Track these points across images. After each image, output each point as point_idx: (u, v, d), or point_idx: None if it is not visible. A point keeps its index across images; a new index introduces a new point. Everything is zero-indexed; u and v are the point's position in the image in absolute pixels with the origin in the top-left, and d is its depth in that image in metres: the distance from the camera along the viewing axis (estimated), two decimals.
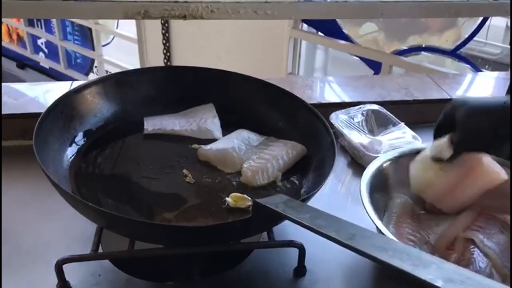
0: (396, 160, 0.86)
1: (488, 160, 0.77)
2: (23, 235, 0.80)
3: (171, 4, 0.90)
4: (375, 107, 1.09)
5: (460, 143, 0.72)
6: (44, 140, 0.78)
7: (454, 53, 1.88)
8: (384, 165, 0.85)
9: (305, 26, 2.26)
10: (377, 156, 0.95)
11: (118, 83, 0.96)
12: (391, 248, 0.48)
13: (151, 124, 0.95)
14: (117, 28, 3.21)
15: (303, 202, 0.67)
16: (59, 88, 1.12)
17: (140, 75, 0.99)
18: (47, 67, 4.09)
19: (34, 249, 0.77)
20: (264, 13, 0.92)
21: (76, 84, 1.11)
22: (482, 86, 1.29)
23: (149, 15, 0.89)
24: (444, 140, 0.75)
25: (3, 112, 1.02)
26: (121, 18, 0.89)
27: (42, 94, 1.10)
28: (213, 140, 0.94)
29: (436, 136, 0.78)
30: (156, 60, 2.84)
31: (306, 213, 0.57)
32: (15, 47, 4.25)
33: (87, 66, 3.80)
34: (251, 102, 1.00)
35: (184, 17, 0.91)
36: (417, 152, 0.88)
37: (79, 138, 0.88)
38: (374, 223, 0.74)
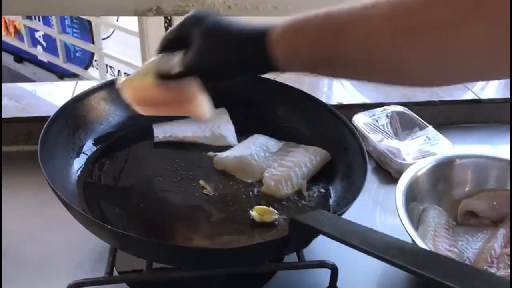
0: (431, 169, 0.80)
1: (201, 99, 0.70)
2: (28, 251, 0.74)
3: (186, 0, 0.83)
4: (400, 108, 1.02)
5: (193, 63, 0.61)
6: (49, 153, 0.72)
7: None
8: (419, 173, 0.79)
9: None
10: (406, 163, 0.89)
11: None
12: (482, 278, 0.41)
13: (162, 131, 0.89)
14: (117, 21, 3.13)
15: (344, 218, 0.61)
16: (63, 88, 1.06)
17: None
18: (45, 60, 4.00)
19: (41, 268, 0.72)
20: (285, 9, 0.85)
21: (80, 85, 1.06)
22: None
23: (162, 12, 0.82)
24: (177, 57, 0.64)
25: (5, 116, 0.95)
26: (131, 15, 0.83)
27: (46, 95, 1.04)
28: (228, 147, 0.88)
29: (165, 48, 0.66)
30: None
31: (358, 234, 0.51)
32: (12, 40, 4.16)
33: (86, 59, 3.71)
34: (266, 105, 0.94)
35: None
36: (453, 160, 0.83)
37: (86, 149, 0.82)
38: (412, 239, 0.68)
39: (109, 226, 0.58)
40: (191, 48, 0.61)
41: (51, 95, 1.03)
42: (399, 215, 0.70)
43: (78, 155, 0.79)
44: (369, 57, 0.51)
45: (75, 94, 1.01)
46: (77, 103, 0.82)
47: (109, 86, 0.87)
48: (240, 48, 0.58)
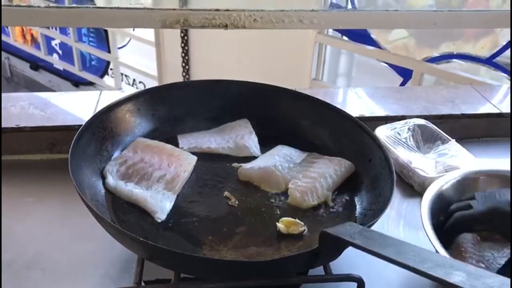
0: (456, 183, 0.79)
1: None
2: (55, 260, 0.75)
3: (212, 13, 0.84)
4: (422, 121, 1.02)
5: None
6: (78, 165, 0.73)
7: (489, 61, 1.80)
8: (444, 187, 0.79)
9: (330, 30, 2.20)
10: (428, 176, 0.89)
11: (149, 99, 0.90)
12: None
13: (186, 142, 0.90)
14: (133, 30, 3.16)
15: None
16: (88, 98, 1.07)
17: (171, 91, 0.94)
18: (61, 68, 4.05)
19: (68, 276, 0.72)
20: (310, 22, 0.86)
21: (104, 96, 1.07)
22: None
23: (189, 24, 0.84)
24: None
25: (30, 125, 0.97)
26: (158, 27, 0.84)
27: (70, 104, 1.05)
28: (251, 157, 0.88)
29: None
30: (174, 63, 2.79)
31: (391, 246, 0.52)
32: (28, 48, 4.23)
33: (102, 68, 3.75)
34: (288, 116, 0.95)
35: (226, 27, 0.85)
36: (478, 175, 0.82)
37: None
38: (438, 253, 0.68)
39: (140, 238, 0.58)
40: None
41: (76, 104, 1.05)
42: (425, 230, 0.70)
43: (105, 166, 0.80)
44: None
45: (99, 104, 1.04)
46: (104, 115, 0.83)
47: (135, 98, 0.88)
48: None
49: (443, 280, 0.46)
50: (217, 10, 0.84)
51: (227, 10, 0.85)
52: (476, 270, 0.47)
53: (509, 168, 0.81)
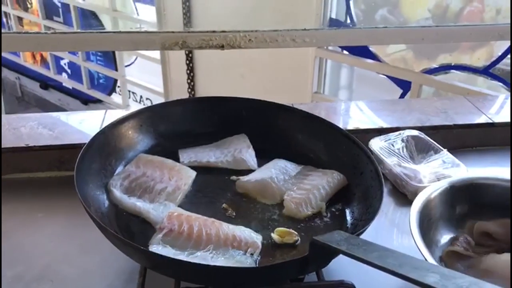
0: (445, 191, 0.83)
1: None
2: (63, 272, 0.79)
3: (209, 34, 0.89)
4: (415, 132, 1.06)
5: None
6: (84, 180, 0.77)
7: (486, 71, 1.84)
8: (433, 195, 0.82)
9: None
10: (421, 186, 0.92)
11: (151, 117, 0.95)
12: None
13: (187, 157, 0.94)
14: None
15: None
16: (93, 117, 1.12)
17: (172, 108, 0.98)
18: (70, 87, 4.14)
19: (76, 287, 0.76)
20: (302, 41, 0.91)
21: (109, 114, 1.12)
22: None
23: (187, 46, 0.88)
24: None
25: (39, 144, 1.01)
26: (158, 49, 0.89)
27: (77, 123, 1.10)
28: (249, 170, 0.92)
29: None
30: (180, 80, 2.85)
31: (373, 252, 0.55)
32: (38, 68, 4.32)
33: (110, 86, 3.83)
34: (284, 131, 0.98)
35: (222, 47, 0.90)
36: (466, 181, 0.85)
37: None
38: (425, 259, 0.71)
39: (142, 247, 0.62)
40: None
41: (82, 123, 1.09)
42: (413, 236, 0.73)
43: (109, 181, 0.84)
44: None
45: (104, 122, 1.08)
46: (108, 133, 0.87)
47: (137, 116, 0.92)
48: None
49: (419, 281, 0.49)
50: (213, 31, 0.89)
51: (223, 31, 0.89)
52: (449, 272, 0.50)
53: (495, 175, 0.84)
